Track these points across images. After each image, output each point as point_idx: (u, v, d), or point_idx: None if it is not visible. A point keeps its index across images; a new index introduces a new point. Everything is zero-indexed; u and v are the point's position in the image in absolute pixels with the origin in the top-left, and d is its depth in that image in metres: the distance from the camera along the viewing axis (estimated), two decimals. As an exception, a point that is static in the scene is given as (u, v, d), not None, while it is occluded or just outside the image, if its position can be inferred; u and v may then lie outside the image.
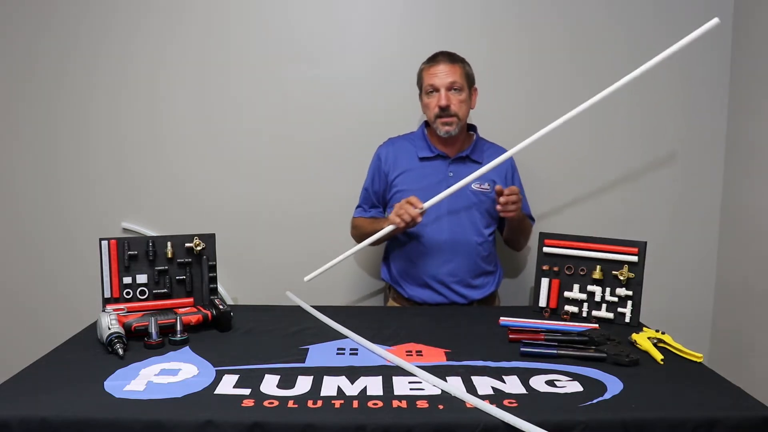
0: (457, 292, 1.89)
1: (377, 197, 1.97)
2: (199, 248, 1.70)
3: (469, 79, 1.86)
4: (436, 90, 1.81)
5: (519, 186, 2.01)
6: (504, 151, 1.94)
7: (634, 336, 1.47)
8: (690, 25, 2.17)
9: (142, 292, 1.66)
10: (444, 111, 1.80)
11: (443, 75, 1.80)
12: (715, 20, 1.65)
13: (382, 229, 1.79)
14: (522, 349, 1.41)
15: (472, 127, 1.98)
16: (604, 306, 1.70)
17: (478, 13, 2.18)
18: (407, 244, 1.91)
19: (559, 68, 2.21)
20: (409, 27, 2.19)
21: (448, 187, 1.77)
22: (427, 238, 1.87)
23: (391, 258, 1.99)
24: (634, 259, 1.66)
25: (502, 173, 1.95)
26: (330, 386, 1.22)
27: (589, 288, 1.71)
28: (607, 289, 1.70)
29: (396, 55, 2.17)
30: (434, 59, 1.84)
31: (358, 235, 1.98)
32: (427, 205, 1.70)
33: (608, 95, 1.64)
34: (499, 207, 1.76)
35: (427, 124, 1.97)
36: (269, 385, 1.22)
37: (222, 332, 1.57)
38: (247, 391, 1.19)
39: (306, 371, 1.30)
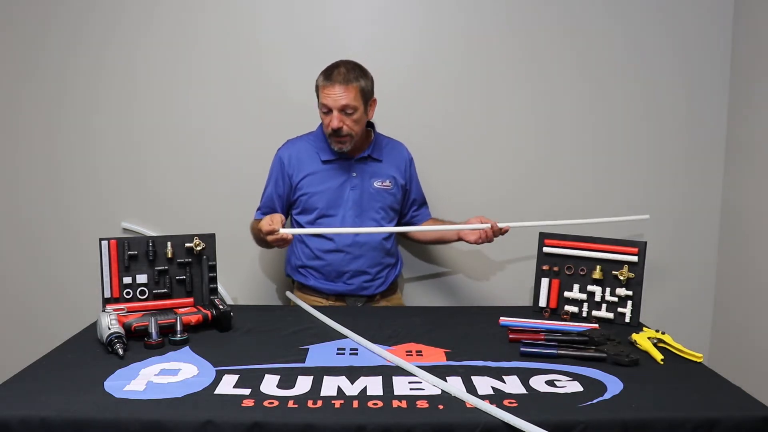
0: (360, 284, 1.92)
1: (281, 200, 1.95)
2: (199, 248, 1.70)
3: (365, 96, 1.83)
4: (330, 110, 1.80)
5: (416, 178, 2.06)
6: (401, 144, 2.04)
7: (634, 336, 1.47)
8: (690, 25, 2.19)
9: (142, 292, 1.66)
10: (336, 132, 1.81)
11: (337, 97, 1.77)
12: (645, 216, 1.89)
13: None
14: (522, 349, 1.41)
15: (370, 124, 1.98)
16: (604, 306, 1.70)
17: (464, 17, 2.18)
18: (311, 240, 1.92)
19: (556, 70, 2.21)
20: (397, 32, 2.19)
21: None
22: (331, 235, 1.89)
23: (293, 253, 1.99)
24: (634, 259, 1.67)
25: (401, 167, 2.00)
26: (330, 386, 1.22)
27: (589, 288, 1.71)
28: (607, 289, 1.70)
29: (397, 55, 2.17)
30: (330, 77, 1.79)
31: (256, 239, 1.94)
32: (284, 230, 1.68)
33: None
34: (475, 239, 1.85)
35: None
36: (269, 385, 1.22)
37: (222, 332, 1.57)
38: (247, 391, 1.19)
39: (306, 371, 1.30)
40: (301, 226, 1.94)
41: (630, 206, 2.26)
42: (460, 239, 1.94)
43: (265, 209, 1.97)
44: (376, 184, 1.93)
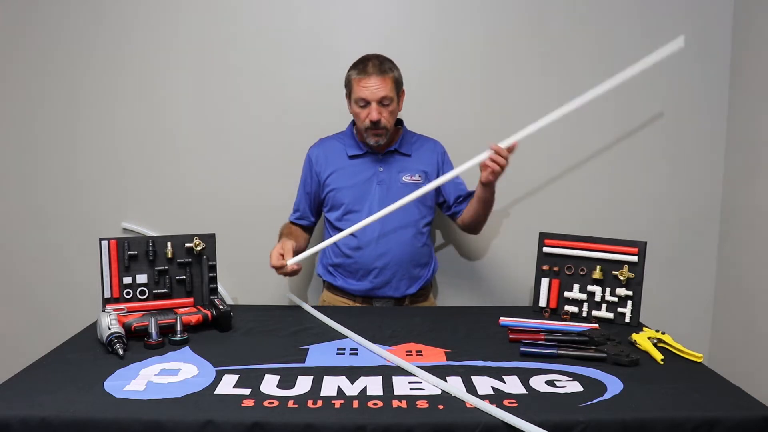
0: (391, 283, 1.89)
1: (309, 198, 1.96)
2: (199, 248, 1.70)
3: (398, 86, 1.83)
4: (367, 103, 1.78)
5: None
6: (432, 140, 2.00)
7: (634, 336, 1.47)
8: (690, 25, 2.19)
9: (142, 292, 1.66)
10: (375, 125, 1.79)
11: (374, 89, 1.75)
12: (680, 42, 1.73)
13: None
14: (522, 349, 1.41)
15: (398, 121, 1.97)
16: (604, 306, 1.70)
17: (472, 15, 2.18)
18: (342, 238, 1.90)
19: (558, 68, 2.21)
20: (406, 29, 2.19)
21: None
22: (361, 232, 1.85)
23: (324, 252, 1.98)
24: (634, 259, 1.67)
25: (433, 160, 1.96)
26: (330, 386, 1.22)
27: (589, 288, 1.71)
28: (607, 289, 1.70)
29: (398, 56, 2.17)
30: (365, 69, 1.77)
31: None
32: (292, 260, 1.72)
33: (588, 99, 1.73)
34: (487, 175, 1.69)
35: (355, 122, 1.96)
36: (269, 385, 1.22)
37: (222, 332, 1.57)
38: (247, 391, 1.19)
39: (306, 371, 1.30)
40: (330, 223, 1.93)
41: (629, 205, 2.26)
42: (485, 186, 1.76)
43: (297, 207, 2.00)
44: (405, 178, 1.90)
